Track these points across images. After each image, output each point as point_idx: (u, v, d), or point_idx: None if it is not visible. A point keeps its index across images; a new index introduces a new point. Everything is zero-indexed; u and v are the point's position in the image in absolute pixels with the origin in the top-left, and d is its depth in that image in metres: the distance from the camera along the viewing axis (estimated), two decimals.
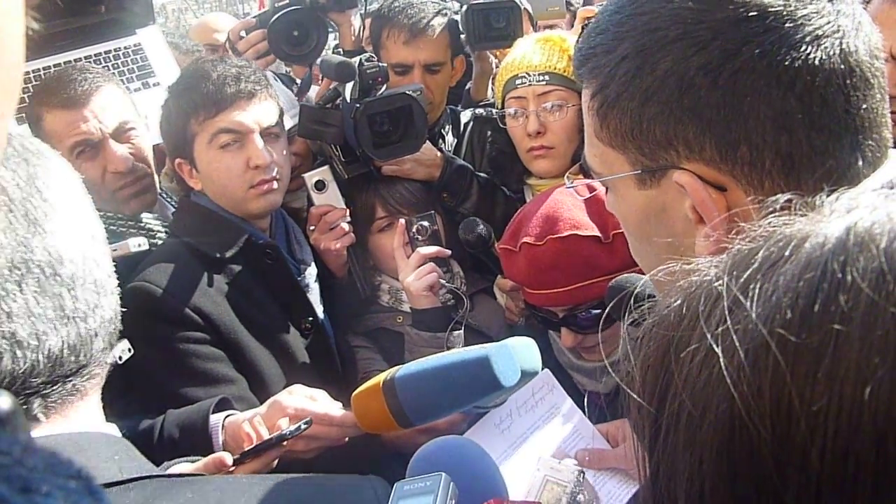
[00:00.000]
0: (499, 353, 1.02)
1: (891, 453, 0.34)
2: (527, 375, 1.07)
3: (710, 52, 0.67)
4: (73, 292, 0.65)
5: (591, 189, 1.38)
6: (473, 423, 1.28)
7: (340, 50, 2.22)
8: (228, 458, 1.17)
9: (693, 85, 0.68)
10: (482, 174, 1.95)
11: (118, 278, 0.73)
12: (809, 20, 0.67)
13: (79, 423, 0.67)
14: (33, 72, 2.15)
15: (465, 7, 2.02)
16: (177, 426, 1.34)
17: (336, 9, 2.12)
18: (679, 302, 0.45)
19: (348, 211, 1.79)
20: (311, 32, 1.96)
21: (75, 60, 2.13)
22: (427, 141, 1.83)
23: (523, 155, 1.83)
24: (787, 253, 0.41)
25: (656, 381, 0.45)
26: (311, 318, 1.68)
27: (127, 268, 1.37)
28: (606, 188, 0.83)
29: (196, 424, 1.31)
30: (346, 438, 1.32)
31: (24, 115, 1.74)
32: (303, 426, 1.23)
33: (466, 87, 2.28)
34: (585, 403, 1.38)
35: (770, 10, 0.67)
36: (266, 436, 1.23)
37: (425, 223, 1.74)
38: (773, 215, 0.46)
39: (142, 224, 1.74)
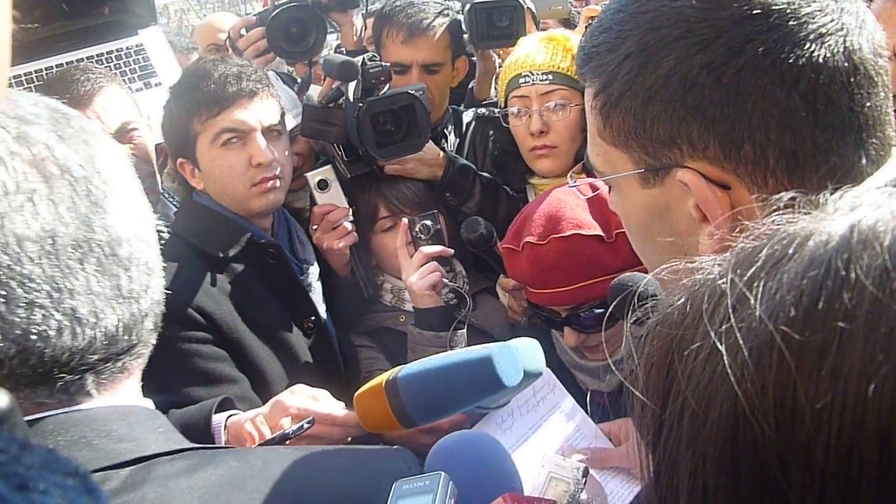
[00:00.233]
0: (501, 353, 1.02)
1: (894, 450, 0.34)
2: (530, 376, 1.07)
3: (713, 51, 0.67)
4: (129, 273, 0.67)
5: (594, 188, 1.37)
6: (476, 423, 1.28)
7: (343, 50, 2.22)
8: None
9: (696, 83, 0.68)
10: (485, 174, 1.95)
11: None
12: (813, 18, 0.67)
13: (124, 399, 0.69)
14: (36, 72, 2.16)
15: (468, 6, 2.02)
16: (179, 425, 1.34)
17: (338, 9, 2.12)
18: (683, 300, 0.45)
19: (351, 210, 1.79)
20: (309, 29, 1.96)
21: (78, 61, 2.13)
22: (430, 140, 1.83)
23: (526, 154, 1.83)
24: (790, 251, 0.41)
25: (660, 380, 0.44)
26: (313, 318, 1.69)
27: None
28: (610, 187, 0.83)
29: (198, 424, 1.32)
30: (349, 438, 1.32)
31: None
32: (305, 425, 1.23)
33: (469, 87, 2.28)
34: (588, 402, 1.37)
35: (773, 8, 0.67)
36: (268, 435, 1.23)
37: (428, 223, 1.74)
38: (776, 213, 0.46)
39: None
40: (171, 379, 1.45)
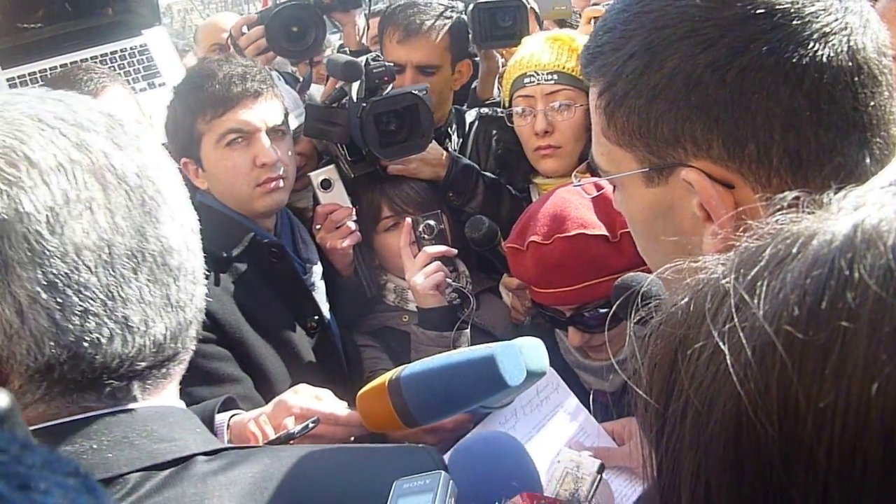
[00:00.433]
0: (505, 353, 1.02)
1: None
2: (533, 376, 1.07)
3: (717, 50, 0.67)
4: (178, 282, 0.68)
5: (599, 188, 1.37)
6: (480, 422, 1.28)
7: (346, 50, 2.22)
8: None
9: (701, 82, 0.68)
10: (488, 173, 1.94)
11: None
12: (817, 17, 0.67)
13: (164, 401, 0.71)
14: (40, 72, 2.16)
15: (471, 6, 2.01)
16: None
17: (340, 8, 2.12)
18: (686, 300, 0.45)
19: (354, 210, 1.79)
20: (309, 28, 1.97)
21: (82, 61, 2.14)
22: (433, 140, 1.83)
23: (530, 154, 1.83)
24: (794, 250, 0.41)
25: (663, 379, 0.44)
26: (316, 318, 1.69)
27: None
28: (614, 186, 0.83)
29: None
30: (352, 438, 1.32)
31: None
32: (310, 425, 1.23)
33: (473, 87, 2.28)
34: (591, 402, 1.37)
35: (777, 7, 0.67)
36: (272, 435, 1.23)
37: (431, 222, 1.74)
38: (780, 213, 0.45)
39: None
40: None
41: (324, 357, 1.68)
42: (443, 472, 0.71)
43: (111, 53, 2.26)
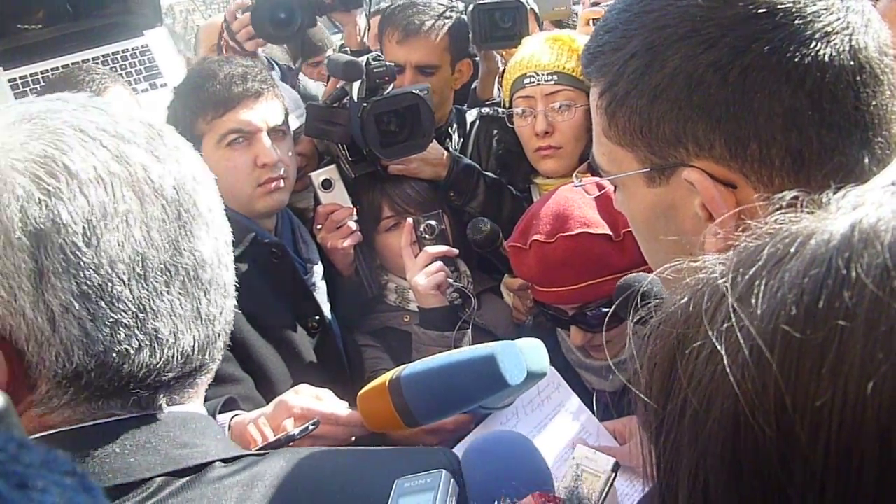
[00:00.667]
0: (505, 352, 1.02)
1: (894, 449, 0.34)
2: (534, 376, 1.07)
3: (719, 50, 0.67)
4: (209, 296, 0.68)
5: (601, 187, 1.37)
6: (481, 423, 1.28)
7: (347, 50, 2.23)
8: None
9: (702, 82, 0.68)
10: (489, 173, 1.95)
11: None
12: (819, 17, 0.67)
13: (187, 407, 0.71)
14: (42, 73, 2.17)
15: (470, 7, 2.01)
16: None
17: (341, 8, 2.12)
18: (685, 299, 0.45)
19: (355, 210, 1.79)
20: (295, 14, 1.98)
21: (83, 62, 2.14)
22: (434, 140, 1.83)
23: (531, 154, 1.83)
24: (792, 250, 0.41)
25: (662, 379, 0.44)
26: (317, 318, 1.69)
27: None
28: (615, 187, 0.83)
29: None
30: (353, 438, 1.32)
31: None
32: (310, 427, 1.23)
33: (473, 87, 2.28)
34: (594, 401, 1.37)
35: (779, 7, 0.67)
36: (271, 437, 1.23)
37: (432, 222, 1.74)
38: (779, 212, 0.46)
39: None
40: None
41: (325, 357, 1.68)
42: (444, 471, 0.71)
43: (112, 54, 2.26)
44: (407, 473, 0.70)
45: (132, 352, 0.62)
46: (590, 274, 1.42)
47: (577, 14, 2.78)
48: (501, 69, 2.10)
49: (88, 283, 0.60)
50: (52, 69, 2.16)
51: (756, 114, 0.67)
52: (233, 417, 1.33)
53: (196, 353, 0.68)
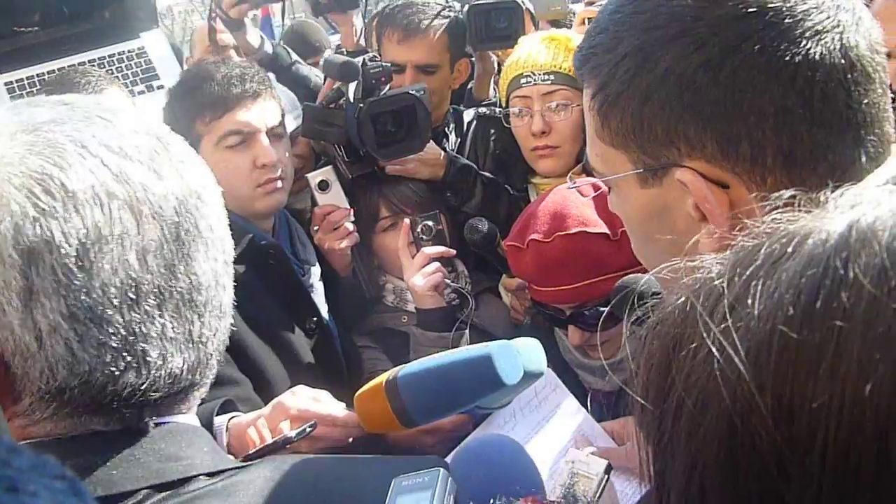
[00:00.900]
0: (501, 352, 1.02)
1: (892, 450, 0.34)
2: (530, 376, 1.06)
3: (709, 49, 0.67)
4: (202, 319, 0.67)
5: (597, 188, 1.37)
6: (479, 424, 1.28)
7: (343, 50, 2.22)
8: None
9: (693, 82, 0.68)
10: (486, 173, 1.94)
11: None
12: (809, 15, 0.67)
13: (177, 419, 0.70)
14: (38, 76, 2.17)
15: (466, 7, 2.01)
16: None
17: (337, 9, 2.12)
18: (682, 299, 0.45)
19: (352, 211, 1.79)
20: None
21: (80, 64, 2.14)
22: (430, 140, 1.83)
23: (527, 154, 1.83)
24: (789, 249, 0.41)
25: (659, 379, 0.44)
26: (315, 319, 1.68)
27: None
28: (609, 188, 0.83)
29: None
30: (351, 439, 1.32)
31: None
32: (307, 429, 1.23)
33: (469, 87, 2.28)
34: (589, 401, 1.37)
35: (769, 6, 0.67)
36: (269, 439, 1.23)
37: (430, 223, 1.74)
38: (776, 211, 0.45)
39: None
40: None
41: (323, 358, 1.67)
42: (442, 469, 0.71)
43: (109, 56, 2.26)
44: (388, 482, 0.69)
45: (117, 373, 0.61)
46: (587, 273, 1.42)
47: (574, 14, 2.78)
48: (497, 69, 2.10)
49: (78, 305, 0.59)
50: (48, 72, 2.15)
51: (747, 113, 0.67)
52: (231, 419, 1.33)
53: (185, 374, 0.66)
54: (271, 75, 1.92)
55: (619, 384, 1.45)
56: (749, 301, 0.39)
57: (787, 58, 0.65)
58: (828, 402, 0.35)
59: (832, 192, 0.45)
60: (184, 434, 0.69)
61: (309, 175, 1.80)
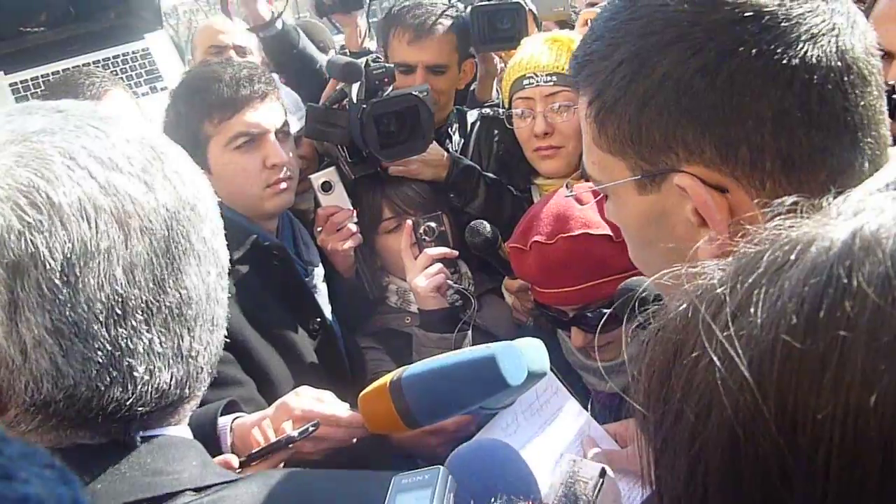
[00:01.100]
0: (505, 353, 1.02)
1: None
2: (534, 376, 1.06)
3: (706, 54, 0.67)
4: (192, 333, 0.66)
5: (596, 193, 1.37)
6: (482, 424, 1.28)
7: (346, 51, 2.22)
8: (235, 461, 1.18)
9: (691, 87, 0.68)
10: (489, 174, 1.94)
11: None
12: (805, 19, 0.67)
13: (167, 431, 0.69)
14: (42, 77, 2.17)
15: (469, 8, 2.01)
16: None
17: (341, 10, 2.12)
18: (684, 306, 0.45)
19: (355, 212, 1.79)
20: None
21: (84, 65, 2.14)
22: (434, 141, 1.83)
23: (530, 155, 1.83)
24: (792, 257, 0.40)
25: (660, 386, 0.44)
26: (318, 319, 1.69)
27: None
28: (606, 196, 0.82)
29: (204, 427, 1.32)
30: (354, 440, 1.32)
31: None
32: (310, 428, 1.23)
33: (472, 88, 2.28)
34: (590, 403, 1.37)
35: (765, 10, 0.67)
36: (272, 438, 1.23)
37: (432, 224, 1.74)
38: (779, 218, 0.45)
39: None
40: None
41: (326, 359, 1.68)
42: (441, 468, 0.70)
43: (113, 58, 2.27)
44: (380, 495, 0.68)
45: (103, 388, 0.61)
46: (590, 275, 1.42)
47: (578, 14, 2.77)
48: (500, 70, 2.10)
49: (63, 320, 0.58)
50: (53, 73, 2.16)
51: (745, 117, 0.67)
52: (234, 420, 1.33)
53: (174, 388, 0.65)
54: (275, 76, 1.92)
55: (622, 386, 1.45)
56: (752, 309, 0.39)
57: (785, 61, 0.65)
58: (832, 411, 0.35)
59: (834, 197, 0.45)
60: (172, 447, 0.67)
61: (312, 176, 1.80)
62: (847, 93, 0.67)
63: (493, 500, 0.74)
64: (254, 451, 1.22)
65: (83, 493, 0.35)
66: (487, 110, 2.09)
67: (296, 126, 1.83)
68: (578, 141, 1.76)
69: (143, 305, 0.61)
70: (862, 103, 0.68)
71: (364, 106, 1.68)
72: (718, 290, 0.42)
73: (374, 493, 0.69)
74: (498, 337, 1.71)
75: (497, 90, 2.19)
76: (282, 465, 1.26)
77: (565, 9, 2.54)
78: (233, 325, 1.51)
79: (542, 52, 1.76)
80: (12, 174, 0.58)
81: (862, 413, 0.34)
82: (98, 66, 2.14)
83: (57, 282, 0.57)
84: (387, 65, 1.72)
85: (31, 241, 0.57)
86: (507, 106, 1.86)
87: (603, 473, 1.11)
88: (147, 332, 0.62)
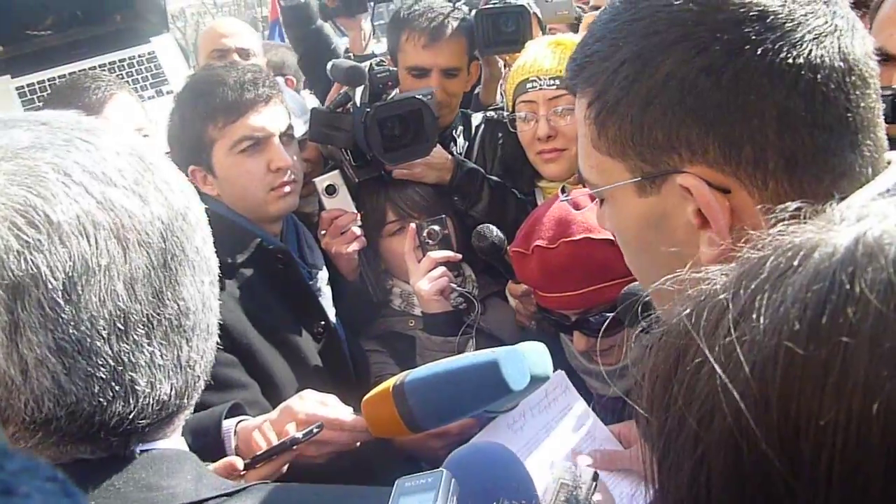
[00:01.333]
0: (508, 357, 1.02)
1: None
2: (537, 380, 1.06)
3: (711, 53, 0.67)
4: (191, 343, 0.66)
5: (593, 198, 1.37)
6: (485, 425, 1.28)
7: (351, 55, 2.23)
8: (239, 463, 1.18)
9: (695, 86, 0.68)
10: (493, 177, 1.94)
11: None
12: (808, 20, 0.67)
13: (162, 445, 0.69)
14: (49, 80, 2.18)
15: (474, 12, 2.02)
16: (189, 431, 1.34)
17: (346, 13, 2.13)
18: (687, 311, 0.45)
19: (359, 215, 1.80)
20: None
21: (91, 69, 2.15)
22: (438, 144, 1.83)
23: (532, 158, 1.83)
24: (795, 263, 0.40)
25: (663, 391, 0.44)
26: (322, 322, 1.69)
27: None
28: (601, 200, 0.82)
29: (209, 430, 1.32)
30: (357, 444, 1.32)
31: None
32: (314, 430, 1.23)
33: (476, 92, 2.28)
34: (592, 405, 1.37)
35: (770, 10, 0.67)
36: (275, 441, 1.23)
37: (436, 227, 1.74)
38: (782, 223, 0.45)
39: None
40: None
41: (330, 362, 1.68)
42: (445, 470, 0.70)
43: (119, 61, 2.28)
44: None
45: (105, 403, 0.60)
46: (592, 279, 1.42)
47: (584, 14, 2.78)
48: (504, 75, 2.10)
49: (66, 338, 0.57)
50: (59, 76, 2.17)
51: (750, 116, 0.67)
52: (238, 423, 1.33)
53: (173, 399, 0.66)
54: (279, 79, 1.93)
55: (625, 389, 1.45)
56: (754, 315, 0.39)
57: (790, 60, 0.66)
58: (834, 417, 0.35)
59: (838, 202, 0.45)
60: (167, 461, 0.67)
61: (316, 179, 1.81)
62: (849, 94, 0.67)
63: (494, 503, 0.74)
64: (258, 453, 1.22)
65: None
66: (491, 113, 2.09)
67: (300, 129, 1.83)
68: None
69: (144, 319, 0.61)
70: (862, 105, 0.68)
71: (368, 109, 1.69)
72: (721, 296, 0.42)
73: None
74: (502, 340, 1.71)
75: (501, 93, 2.19)
76: (285, 468, 1.26)
77: (570, 12, 2.54)
78: (237, 328, 1.53)
79: (545, 56, 1.77)
80: (7, 193, 0.57)
81: (864, 419, 0.34)
82: (104, 70, 2.15)
83: (59, 300, 0.57)
84: (390, 68, 1.72)
85: (31, 260, 0.56)
86: (510, 109, 1.86)
87: (595, 478, 1.11)
88: (148, 345, 0.62)
